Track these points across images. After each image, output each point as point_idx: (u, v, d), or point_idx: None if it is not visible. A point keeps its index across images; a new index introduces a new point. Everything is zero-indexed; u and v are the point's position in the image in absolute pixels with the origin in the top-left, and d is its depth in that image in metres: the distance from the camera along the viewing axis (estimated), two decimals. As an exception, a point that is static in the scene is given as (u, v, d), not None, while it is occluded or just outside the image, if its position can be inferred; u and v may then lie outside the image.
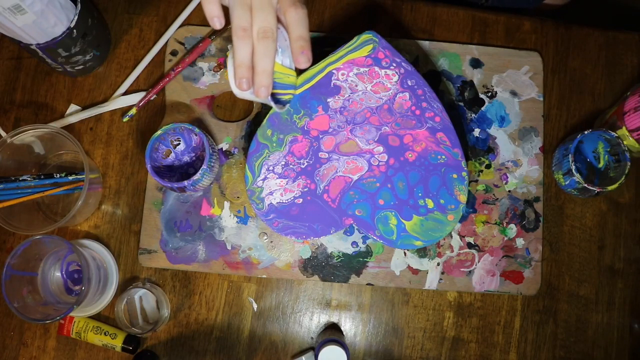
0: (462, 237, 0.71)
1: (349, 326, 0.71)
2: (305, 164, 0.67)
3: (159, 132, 0.65)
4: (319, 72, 0.66)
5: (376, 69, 0.66)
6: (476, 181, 0.72)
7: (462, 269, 0.70)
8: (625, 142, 0.68)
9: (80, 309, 0.66)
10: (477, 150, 0.73)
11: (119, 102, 0.74)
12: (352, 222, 0.66)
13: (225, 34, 0.74)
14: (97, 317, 0.70)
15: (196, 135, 0.66)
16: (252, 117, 0.73)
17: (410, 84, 0.66)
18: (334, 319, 0.71)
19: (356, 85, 0.66)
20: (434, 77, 0.74)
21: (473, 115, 0.74)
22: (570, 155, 0.67)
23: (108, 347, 0.68)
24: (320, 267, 0.70)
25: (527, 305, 0.71)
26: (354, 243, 0.70)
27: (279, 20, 0.51)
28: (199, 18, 0.76)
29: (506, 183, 0.72)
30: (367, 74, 0.66)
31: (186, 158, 0.71)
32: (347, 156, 0.66)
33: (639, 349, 0.71)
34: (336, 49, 0.66)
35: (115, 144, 0.73)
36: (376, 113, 0.67)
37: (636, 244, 0.73)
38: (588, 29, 0.77)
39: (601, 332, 0.71)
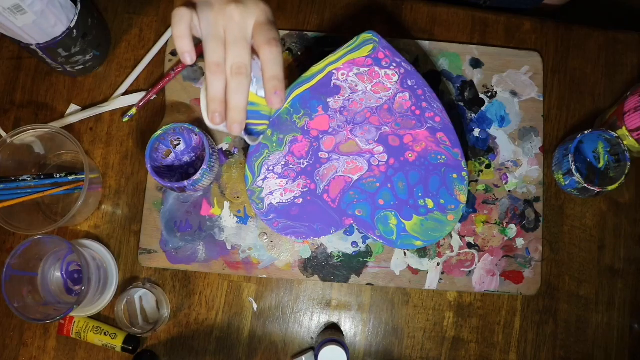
0: (462, 237, 0.71)
1: (349, 326, 0.71)
2: (305, 164, 0.67)
3: (159, 132, 0.65)
4: (319, 72, 0.66)
5: (376, 69, 0.66)
6: (476, 181, 0.72)
7: (462, 269, 0.70)
8: (625, 142, 0.68)
9: (80, 309, 0.66)
10: (477, 150, 0.73)
11: (119, 102, 0.74)
12: (352, 222, 0.66)
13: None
14: (97, 317, 0.70)
15: (196, 135, 0.66)
16: (252, 117, 0.73)
17: (410, 84, 0.66)
18: (334, 319, 0.71)
19: (356, 85, 0.66)
20: (434, 77, 0.74)
21: (473, 115, 0.74)
22: (570, 155, 0.67)
23: (108, 347, 0.68)
24: (320, 267, 0.70)
25: (527, 305, 0.71)
26: (354, 243, 0.70)
27: (253, 52, 0.50)
28: (199, 18, 0.76)
29: (506, 183, 0.72)
30: (367, 74, 0.66)
31: (186, 158, 0.71)
32: (347, 156, 0.66)
33: (639, 349, 0.71)
34: (336, 49, 0.66)
35: (115, 144, 0.73)
36: (376, 113, 0.67)
37: (636, 244, 0.73)
38: (588, 29, 0.77)
39: (601, 332, 0.71)
